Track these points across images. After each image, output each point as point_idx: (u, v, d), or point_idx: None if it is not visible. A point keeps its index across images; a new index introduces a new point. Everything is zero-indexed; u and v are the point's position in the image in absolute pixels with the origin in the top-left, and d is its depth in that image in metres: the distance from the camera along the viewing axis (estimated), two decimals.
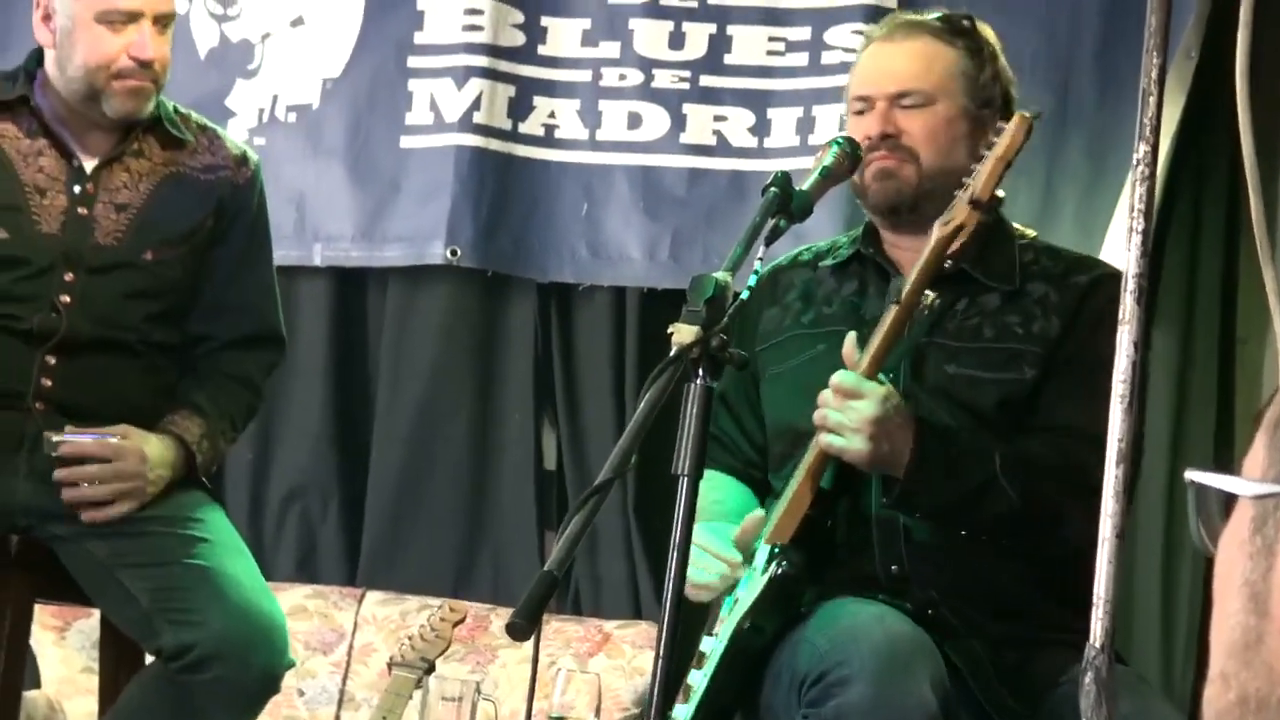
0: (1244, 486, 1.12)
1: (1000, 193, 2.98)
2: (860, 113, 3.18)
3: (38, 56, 3.52)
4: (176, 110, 3.60)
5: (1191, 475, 1.15)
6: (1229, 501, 1.14)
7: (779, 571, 2.89)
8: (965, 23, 3.22)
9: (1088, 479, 2.86)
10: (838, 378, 2.92)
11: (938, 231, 2.92)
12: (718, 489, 3.23)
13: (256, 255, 3.65)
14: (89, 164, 3.48)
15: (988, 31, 3.25)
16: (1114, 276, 3.15)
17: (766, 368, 3.21)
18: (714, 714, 2.96)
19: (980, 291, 3.11)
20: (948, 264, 3.08)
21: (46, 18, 3.46)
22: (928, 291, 2.96)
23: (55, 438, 3.36)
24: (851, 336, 2.97)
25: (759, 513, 3.04)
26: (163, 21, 3.45)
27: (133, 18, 3.41)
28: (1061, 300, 3.10)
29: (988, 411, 3.05)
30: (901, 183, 3.13)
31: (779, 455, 3.19)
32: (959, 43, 3.19)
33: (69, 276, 3.43)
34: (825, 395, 2.92)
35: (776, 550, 2.94)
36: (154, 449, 3.41)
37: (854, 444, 2.90)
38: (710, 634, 3.04)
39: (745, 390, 3.26)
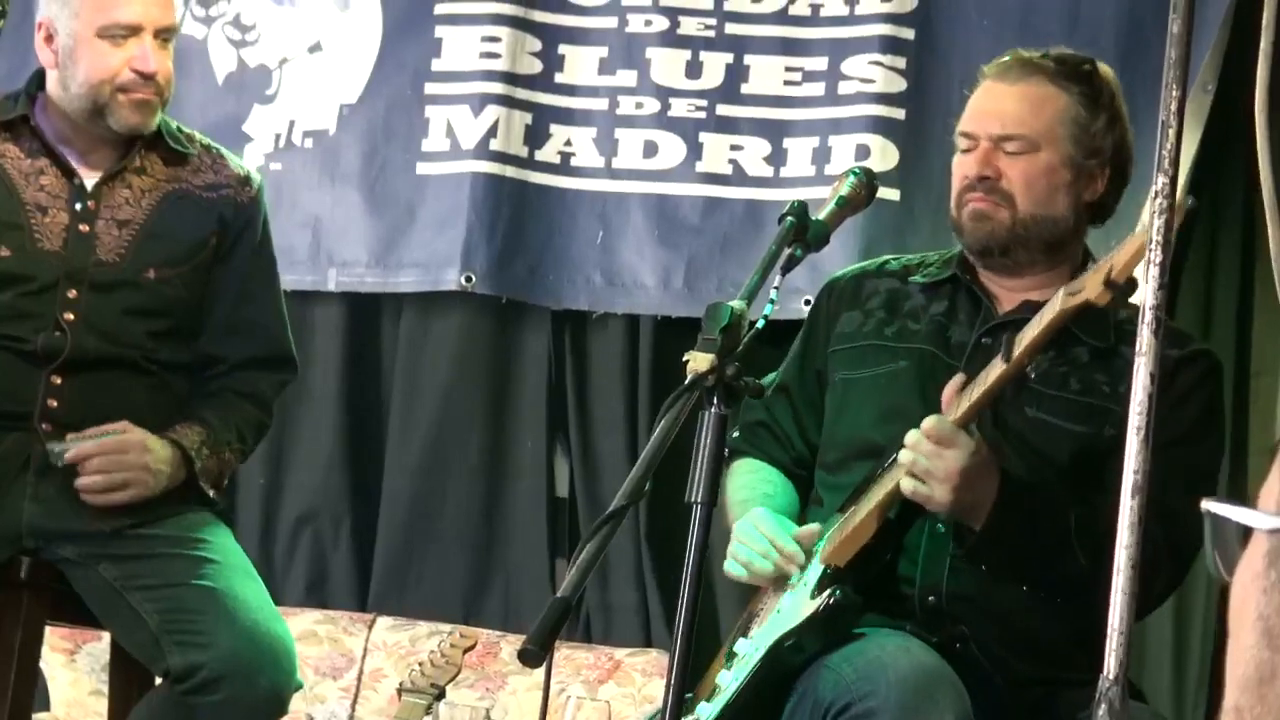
0: (1260, 520, 1.12)
1: (1137, 274, 2.92)
2: (965, 150, 3.15)
3: (39, 79, 3.52)
4: (180, 128, 3.60)
5: (1208, 506, 1.14)
6: (1246, 533, 1.13)
7: (832, 600, 2.89)
8: (1086, 67, 3.17)
9: (1158, 554, 2.84)
10: (933, 423, 2.88)
11: (1062, 301, 2.83)
12: (768, 481, 3.22)
13: (263, 276, 3.65)
14: (90, 181, 3.48)
15: (1110, 76, 3.19)
16: (1208, 355, 3.14)
17: (838, 370, 3.18)
18: (741, 718, 2.95)
19: (1072, 343, 3.05)
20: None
21: (49, 38, 3.47)
22: (1041, 356, 2.92)
23: (57, 447, 3.36)
24: (957, 380, 2.94)
25: (816, 527, 3.03)
26: (164, 35, 3.46)
27: (134, 32, 3.42)
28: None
29: (1062, 462, 3.02)
30: (995, 225, 3.10)
31: (835, 461, 3.16)
32: (1074, 88, 3.14)
33: (72, 293, 3.43)
34: (917, 438, 2.88)
35: (829, 573, 2.92)
36: (153, 443, 3.41)
37: (938, 494, 2.87)
38: (744, 635, 3.03)
39: (809, 388, 3.24)
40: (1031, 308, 3.05)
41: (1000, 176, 3.10)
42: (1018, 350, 2.85)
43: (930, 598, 2.99)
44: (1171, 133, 2.40)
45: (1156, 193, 2.40)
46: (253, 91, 5.24)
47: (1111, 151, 3.15)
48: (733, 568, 3.07)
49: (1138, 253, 2.74)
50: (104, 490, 3.37)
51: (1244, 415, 4.67)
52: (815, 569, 2.96)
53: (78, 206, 3.46)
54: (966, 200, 3.11)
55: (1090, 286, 2.80)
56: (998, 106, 3.14)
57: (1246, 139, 4.31)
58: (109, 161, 3.50)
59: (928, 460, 2.87)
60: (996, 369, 2.87)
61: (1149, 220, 2.39)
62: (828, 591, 2.90)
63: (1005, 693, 2.95)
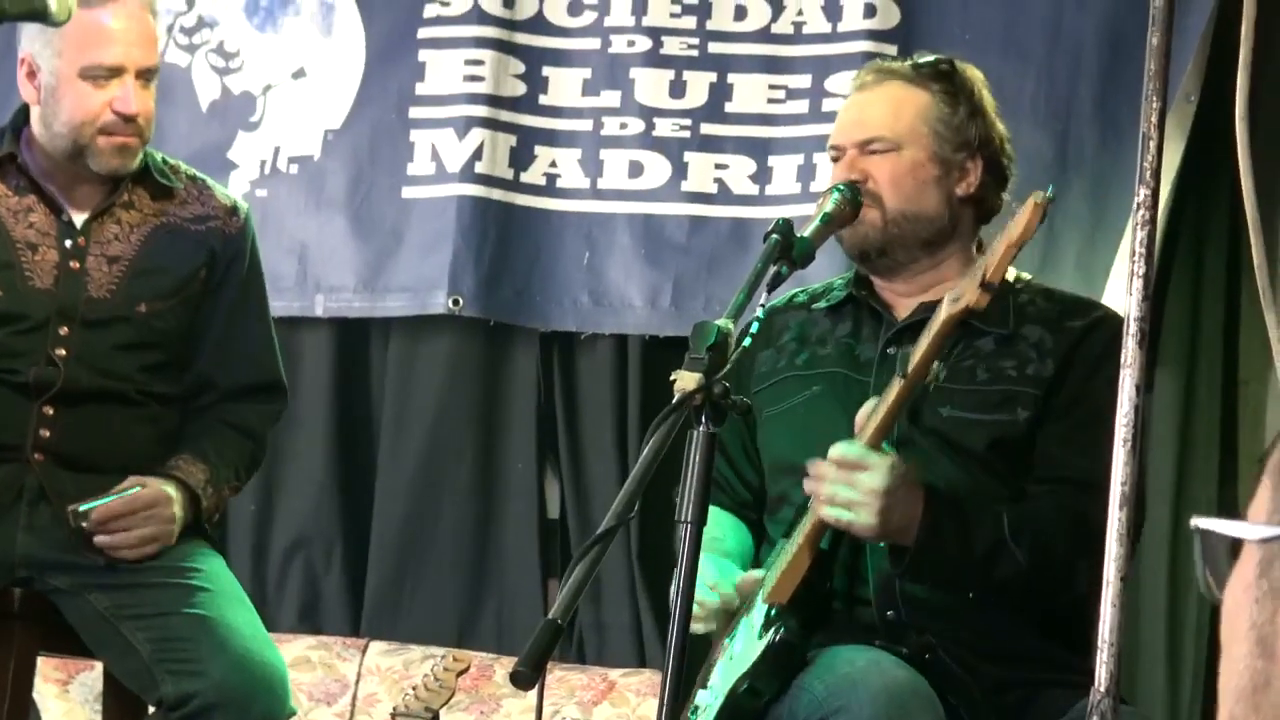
0: (1250, 531, 1.12)
1: (1010, 274, 2.93)
2: (835, 159, 3.20)
3: (24, 113, 3.53)
4: (165, 161, 3.60)
5: (1197, 522, 1.15)
6: (1235, 547, 1.13)
7: (777, 638, 2.89)
8: (944, 66, 3.21)
9: (1095, 532, 2.86)
10: (839, 450, 2.88)
11: (946, 310, 2.86)
12: (717, 525, 3.22)
13: (253, 304, 3.65)
14: (79, 218, 3.49)
15: (972, 73, 3.24)
16: (1111, 319, 3.16)
17: (763, 409, 3.20)
18: None
19: (975, 335, 3.10)
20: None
21: (31, 74, 3.46)
22: (938, 364, 2.95)
23: (82, 508, 3.35)
24: (868, 405, 2.95)
25: (758, 573, 3.04)
26: (146, 75, 3.46)
27: (116, 73, 3.42)
28: (1057, 343, 3.10)
29: (980, 453, 3.05)
30: (868, 227, 3.13)
31: (776, 496, 3.18)
32: (933, 86, 3.18)
33: (64, 330, 3.43)
34: (824, 468, 2.89)
35: (774, 614, 2.93)
36: (170, 491, 3.41)
37: (862, 518, 2.87)
38: (703, 687, 3.03)
39: (740, 434, 3.25)
40: (927, 308, 3.06)
41: (866, 179, 3.13)
42: (912, 364, 2.87)
43: (889, 613, 3.00)
44: (1152, 145, 2.41)
45: (1139, 204, 2.40)
46: (237, 118, 5.25)
47: (979, 143, 3.19)
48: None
49: (1006, 252, 2.80)
50: (130, 546, 3.37)
51: (1233, 423, 4.68)
52: (760, 610, 2.97)
53: (67, 244, 3.47)
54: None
55: (968, 292, 2.83)
56: (859, 114, 3.20)
57: (1231, 150, 4.33)
58: (96, 197, 3.50)
59: (845, 487, 2.87)
60: (895, 386, 2.89)
61: (1130, 233, 2.39)
62: (772, 630, 2.90)
63: (981, 699, 2.95)
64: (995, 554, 2.94)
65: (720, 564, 3.06)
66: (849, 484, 2.87)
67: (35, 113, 3.47)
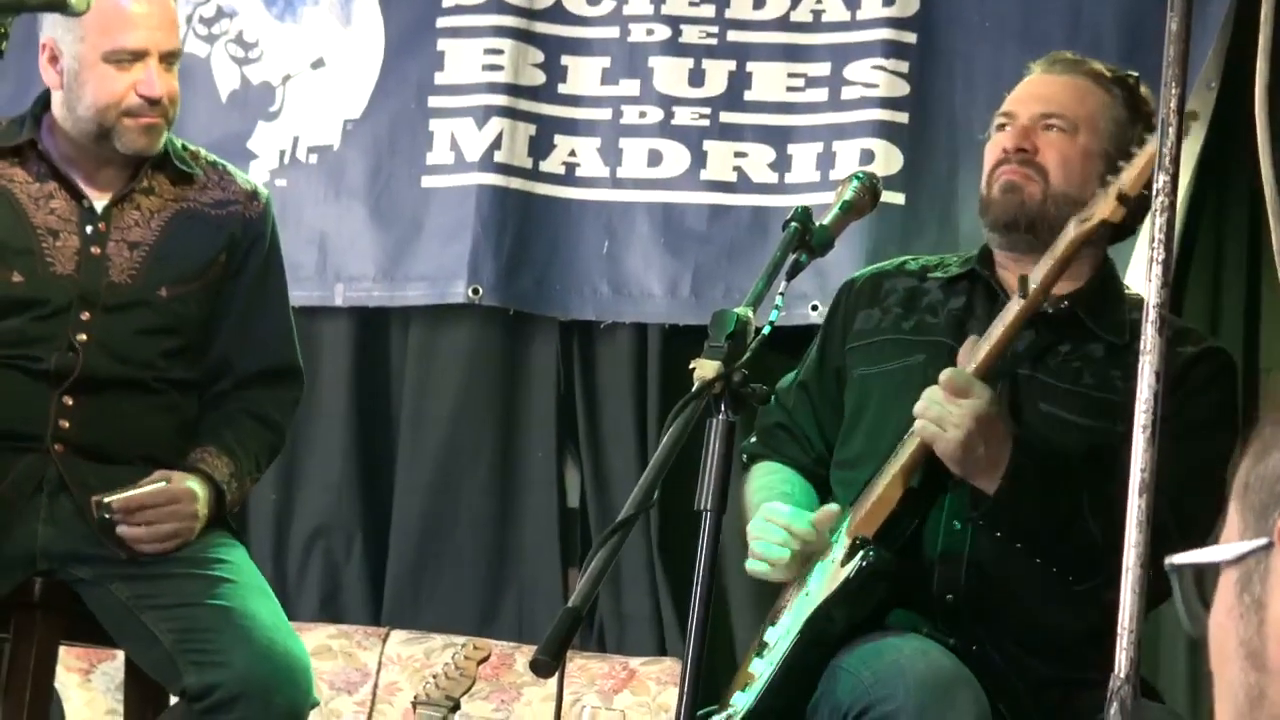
0: (1224, 553, 1.13)
1: (1129, 290, 2.91)
2: (1002, 127, 3.17)
3: (44, 100, 3.53)
4: (184, 147, 3.60)
5: (1172, 560, 1.15)
6: (1213, 575, 1.14)
7: (865, 563, 2.89)
8: (1131, 79, 3.21)
9: (1165, 533, 2.85)
10: (949, 374, 2.91)
11: (1075, 228, 2.89)
12: (786, 482, 3.22)
13: (271, 289, 3.65)
14: (100, 203, 3.49)
15: (1149, 96, 3.21)
16: (1218, 352, 3.16)
17: (855, 367, 3.19)
18: (778, 701, 2.95)
19: (1088, 339, 3.09)
20: (1064, 304, 3.06)
21: (53, 59, 3.47)
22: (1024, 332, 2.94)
23: (106, 499, 3.35)
24: (971, 339, 2.96)
25: (834, 507, 3.03)
26: (169, 59, 3.46)
27: (139, 56, 3.42)
28: (1167, 366, 3.07)
29: (1073, 457, 3.03)
30: (1025, 198, 3.11)
31: (851, 456, 3.17)
32: (1117, 91, 3.18)
33: (85, 315, 3.44)
34: (934, 390, 2.91)
35: (861, 541, 2.92)
36: (195, 487, 3.41)
37: (951, 436, 2.89)
38: (773, 624, 3.03)
39: (829, 385, 3.25)
40: (1048, 301, 3.07)
41: (1036, 151, 3.12)
42: (1033, 286, 2.88)
43: (948, 596, 3.00)
44: (1171, 131, 2.41)
45: (1158, 191, 2.40)
46: (257, 108, 5.25)
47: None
48: (753, 565, 3.06)
49: (1146, 165, 2.80)
50: (152, 541, 3.37)
51: (1254, 412, 4.68)
52: (841, 544, 2.96)
53: (88, 229, 3.47)
54: (999, 174, 3.13)
55: (1102, 207, 2.85)
56: (1042, 90, 3.18)
57: (1251, 136, 4.32)
58: (117, 183, 3.51)
59: (942, 406, 2.89)
60: (1014, 308, 2.90)
61: (1149, 219, 2.39)
62: (860, 554, 2.90)
63: (1024, 695, 2.95)
64: (1071, 522, 2.93)
65: (794, 511, 3.05)
66: (948, 403, 2.88)
67: (57, 97, 3.48)
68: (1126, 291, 3.20)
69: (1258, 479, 1.13)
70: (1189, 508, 2.81)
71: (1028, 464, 2.93)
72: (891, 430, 3.07)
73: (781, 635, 2.97)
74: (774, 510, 3.05)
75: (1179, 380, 3.05)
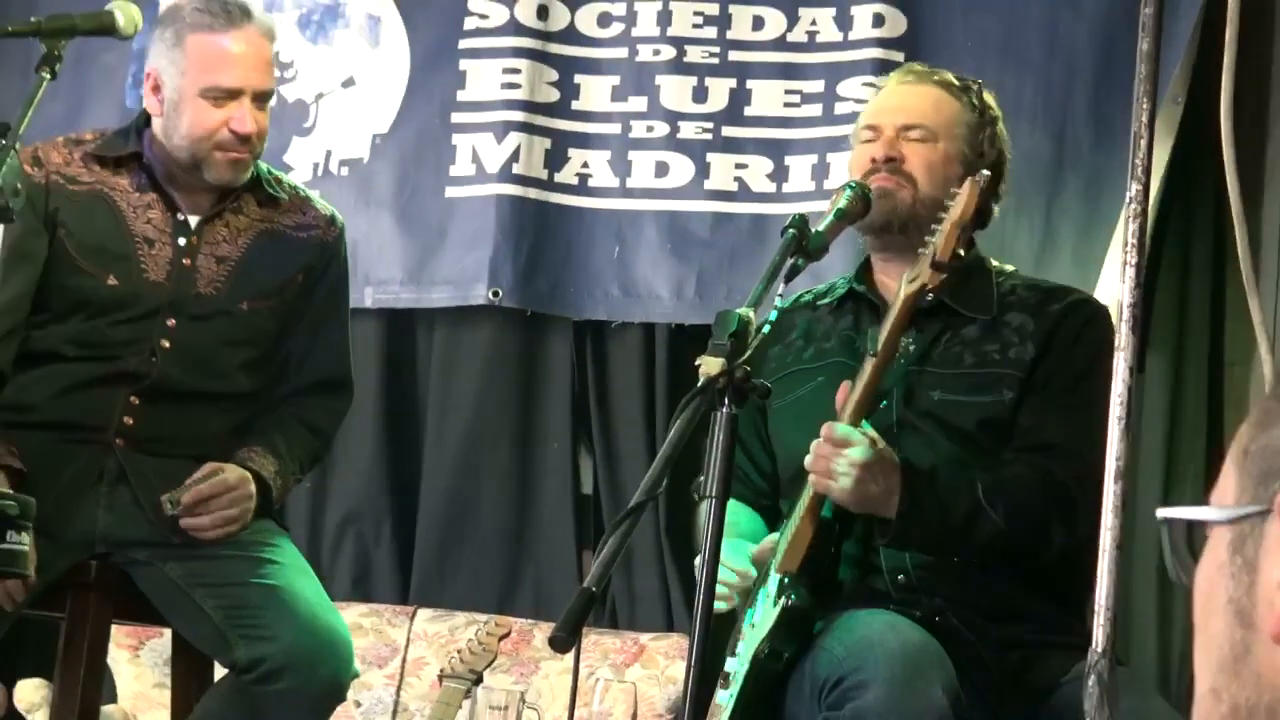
0: (1219, 513, 1.12)
1: (961, 251, 2.94)
2: (868, 141, 3.19)
3: (146, 117, 3.53)
4: (270, 172, 3.61)
5: (1162, 512, 1.14)
6: (1204, 535, 1.13)
7: (789, 604, 2.91)
8: (974, 85, 3.25)
9: (1066, 490, 2.91)
10: (828, 428, 2.91)
11: (904, 290, 2.91)
12: (732, 513, 3.22)
13: (338, 308, 3.67)
14: (193, 218, 3.50)
15: (991, 100, 3.27)
16: (1087, 301, 3.19)
17: (772, 403, 3.20)
18: None
19: (961, 323, 3.12)
20: (929, 298, 3.09)
21: (156, 89, 3.46)
22: (904, 338, 2.96)
23: (172, 496, 3.36)
24: (845, 385, 2.96)
25: (774, 536, 3.05)
26: (262, 98, 3.46)
27: (234, 95, 3.42)
28: (1038, 326, 3.11)
29: (970, 432, 3.05)
30: (897, 203, 3.13)
31: (788, 481, 3.19)
32: (964, 99, 3.21)
33: (171, 322, 3.45)
34: (818, 444, 2.92)
35: (786, 581, 2.94)
36: (248, 477, 3.42)
37: (841, 486, 2.90)
38: (732, 654, 3.04)
39: (755, 425, 3.26)
40: (919, 301, 3.08)
41: (904, 159, 3.14)
42: (880, 343, 2.90)
43: (900, 576, 3.01)
44: (1143, 143, 2.41)
45: (1130, 199, 2.40)
46: (292, 125, 5.25)
47: (994, 160, 3.19)
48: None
49: (950, 231, 2.86)
50: (214, 527, 3.38)
51: (1219, 402, 4.67)
52: (774, 580, 2.98)
53: (181, 241, 3.48)
54: (871, 181, 3.13)
55: (923, 273, 2.88)
56: (901, 101, 3.21)
57: (1215, 147, 4.31)
58: (209, 200, 3.51)
59: (827, 459, 2.89)
60: (867, 365, 2.92)
61: (1122, 225, 2.39)
62: (783, 596, 2.91)
63: (987, 658, 2.95)
64: (973, 518, 2.95)
65: (734, 544, 3.07)
66: (832, 456, 2.88)
67: (157, 123, 3.47)
68: (992, 267, 3.20)
69: (1259, 448, 1.11)
70: (1084, 458, 2.83)
71: (919, 485, 2.94)
72: (805, 450, 3.09)
73: (737, 669, 2.98)
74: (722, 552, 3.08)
75: (1049, 336, 3.07)
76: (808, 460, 2.92)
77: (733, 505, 3.23)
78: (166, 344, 3.43)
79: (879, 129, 3.18)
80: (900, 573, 3.01)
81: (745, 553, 3.05)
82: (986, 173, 2.96)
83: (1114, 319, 2.44)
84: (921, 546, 2.98)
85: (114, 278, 3.43)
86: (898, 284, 3.11)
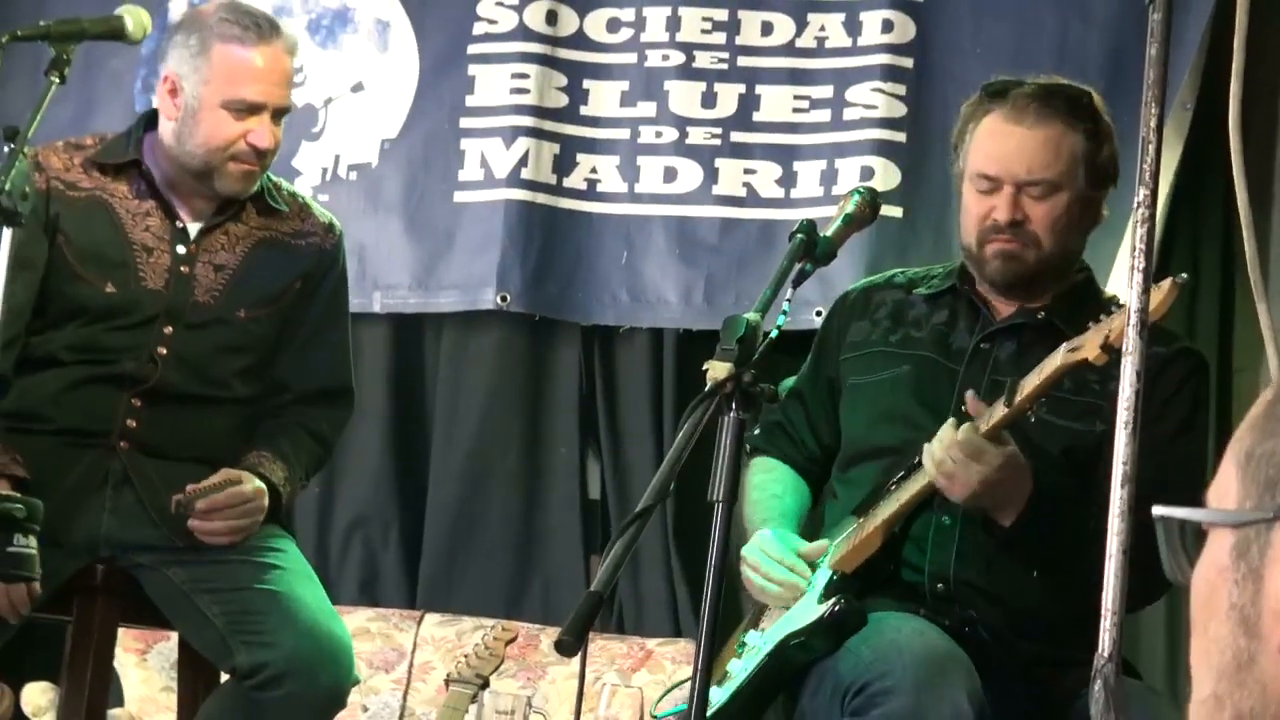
0: (1221, 516, 1.10)
1: (1109, 292, 2.88)
2: (986, 191, 3.10)
3: (148, 120, 3.52)
4: (269, 179, 3.61)
5: (1159, 511, 1.13)
6: (1200, 531, 1.12)
7: (836, 608, 2.89)
8: (1086, 100, 3.14)
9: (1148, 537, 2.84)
10: (967, 435, 2.86)
11: (1063, 358, 2.82)
12: (779, 482, 3.22)
13: (337, 315, 3.66)
14: (192, 226, 3.49)
15: (1101, 106, 3.17)
16: (1193, 352, 3.14)
17: (848, 377, 3.19)
18: (747, 707, 2.96)
19: None
20: (1040, 315, 3.07)
21: (173, 92, 3.43)
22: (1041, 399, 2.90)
23: (189, 497, 3.35)
24: (972, 396, 2.93)
25: (823, 544, 3.04)
26: (280, 114, 3.46)
27: (255, 110, 3.41)
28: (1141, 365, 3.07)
29: (1053, 456, 3.02)
30: (1023, 266, 3.09)
31: (849, 459, 3.18)
32: (1080, 125, 3.11)
33: (168, 330, 3.44)
34: (952, 446, 2.87)
35: (836, 579, 2.93)
36: (261, 486, 3.41)
37: (958, 494, 2.90)
38: (756, 627, 3.03)
39: (822, 391, 3.25)
40: (1026, 313, 3.09)
41: (1027, 220, 3.07)
42: (1019, 397, 2.86)
43: (939, 585, 3.00)
44: (1151, 148, 2.40)
45: (1138, 204, 2.39)
46: (301, 129, 5.25)
47: (1112, 172, 3.15)
48: (757, 581, 3.08)
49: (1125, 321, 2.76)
50: (223, 534, 3.38)
51: (1228, 408, 4.67)
52: (823, 574, 2.97)
53: (180, 249, 3.47)
54: (992, 240, 3.08)
55: (1089, 347, 2.79)
56: (1020, 152, 3.08)
57: (1225, 153, 4.31)
58: (208, 209, 3.50)
59: (954, 464, 2.87)
60: (999, 412, 2.87)
61: (1130, 230, 2.38)
62: (833, 600, 2.90)
63: (1013, 672, 2.95)
64: (1073, 550, 2.93)
65: (783, 538, 3.06)
66: (963, 464, 2.86)
67: (169, 127, 3.45)
68: (1104, 294, 3.18)
69: (1265, 453, 1.09)
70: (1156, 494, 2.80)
71: (1041, 507, 2.92)
72: (878, 437, 3.09)
73: (760, 644, 2.97)
74: (768, 542, 3.07)
75: (1154, 380, 3.04)
76: (935, 453, 2.88)
77: (781, 472, 3.23)
78: (164, 351, 3.43)
79: (997, 180, 3.08)
80: (941, 581, 3.00)
81: (793, 547, 3.04)
82: (1185, 275, 2.82)
83: (1133, 328, 2.42)
84: (1016, 558, 2.98)
85: (112, 285, 3.43)
86: (997, 299, 3.10)
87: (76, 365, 3.42)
